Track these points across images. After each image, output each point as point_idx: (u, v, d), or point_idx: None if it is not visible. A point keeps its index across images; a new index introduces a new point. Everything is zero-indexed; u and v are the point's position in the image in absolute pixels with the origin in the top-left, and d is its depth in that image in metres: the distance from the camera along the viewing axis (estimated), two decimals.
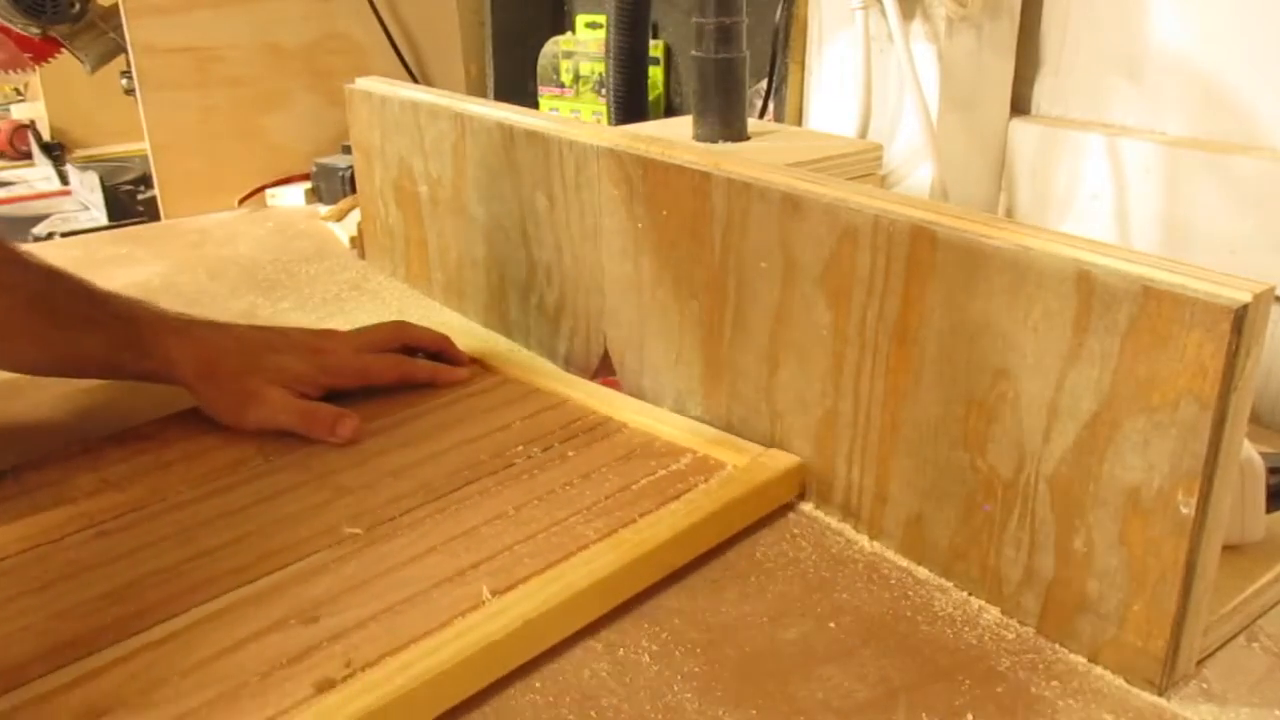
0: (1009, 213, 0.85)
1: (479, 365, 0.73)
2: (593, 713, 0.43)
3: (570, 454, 0.60)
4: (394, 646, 0.44)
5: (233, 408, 0.64)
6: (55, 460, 0.62)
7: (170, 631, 0.46)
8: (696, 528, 0.52)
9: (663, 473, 0.58)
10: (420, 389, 0.69)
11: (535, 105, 1.36)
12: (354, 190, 1.04)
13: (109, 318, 0.64)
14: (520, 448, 0.61)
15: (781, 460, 0.58)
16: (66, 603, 0.49)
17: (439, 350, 0.72)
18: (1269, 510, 0.50)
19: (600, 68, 1.26)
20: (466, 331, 0.80)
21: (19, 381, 0.68)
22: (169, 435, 0.64)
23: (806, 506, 0.57)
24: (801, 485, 0.58)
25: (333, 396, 0.66)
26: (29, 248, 1.03)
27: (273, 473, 0.60)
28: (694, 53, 0.80)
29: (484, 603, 0.47)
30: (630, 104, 1.07)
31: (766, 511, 0.56)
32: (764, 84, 1.03)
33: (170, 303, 0.69)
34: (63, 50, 1.33)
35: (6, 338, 0.62)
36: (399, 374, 0.69)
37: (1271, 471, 0.49)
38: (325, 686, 0.42)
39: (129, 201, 1.43)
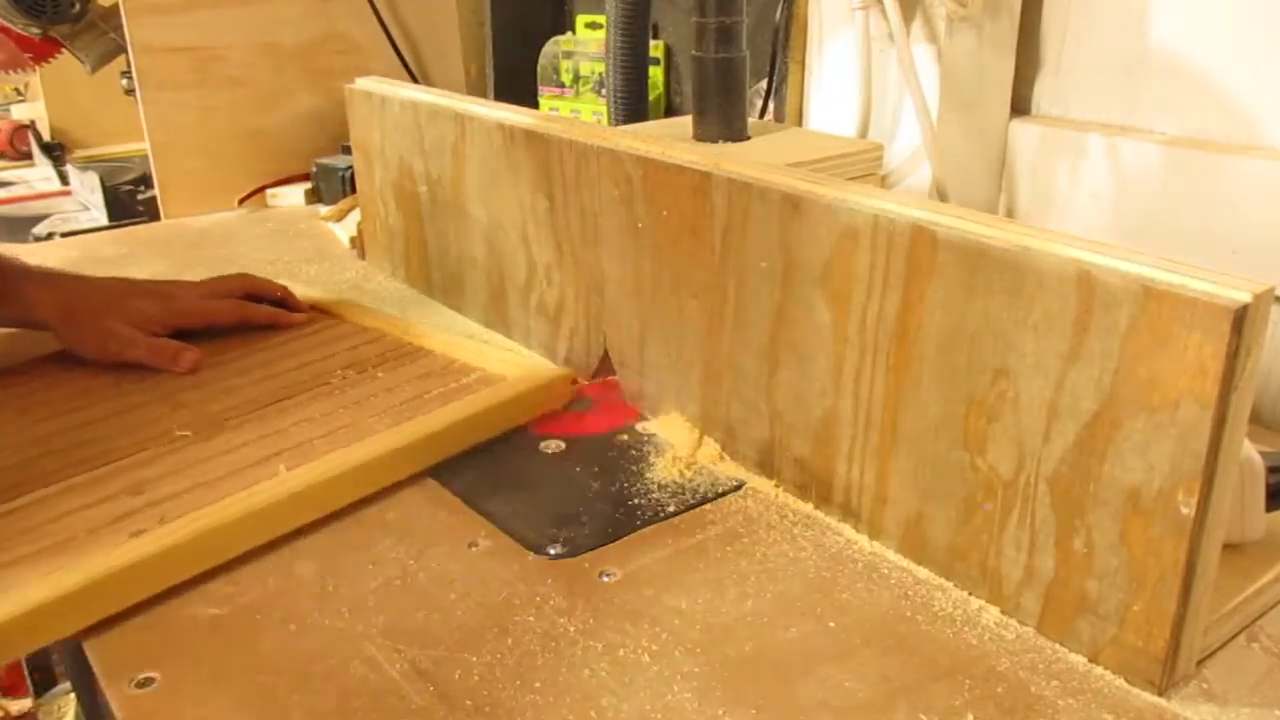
0: (1009, 213, 0.85)
1: (318, 311, 0.83)
2: (592, 713, 0.43)
3: (380, 375, 0.71)
4: (199, 507, 0.55)
5: (92, 344, 0.74)
6: None
7: (17, 505, 0.57)
8: (464, 421, 0.64)
9: (453, 385, 0.69)
10: (262, 330, 0.79)
11: (535, 105, 1.36)
12: (354, 190, 1.04)
13: None
14: (339, 371, 0.72)
15: (550, 372, 0.70)
16: None
17: (279, 298, 0.82)
18: (1269, 509, 0.50)
19: (600, 68, 1.26)
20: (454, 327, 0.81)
21: None
22: (38, 371, 0.74)
23: (806, 506, 0.57)
24: (571, 394, 0.69)
25: (185, 338, 0.75)
26: (28, 247, 1.04)
27: (124, 395, 0.70)
28: (694, 52, 0.80)
29: (277, 476, 0.58)
30: (630, 104, 1.07)
31: (536, 414, 0.67)
32: (764, 84, 1.03)
33: None
34: (63, 50, 1.33)
35: None
36: (240, 316, 0.79)
37: (1271, 471, 0.49)
38: (137, 535, 0.53)
39: (129, 201, 1.42)
